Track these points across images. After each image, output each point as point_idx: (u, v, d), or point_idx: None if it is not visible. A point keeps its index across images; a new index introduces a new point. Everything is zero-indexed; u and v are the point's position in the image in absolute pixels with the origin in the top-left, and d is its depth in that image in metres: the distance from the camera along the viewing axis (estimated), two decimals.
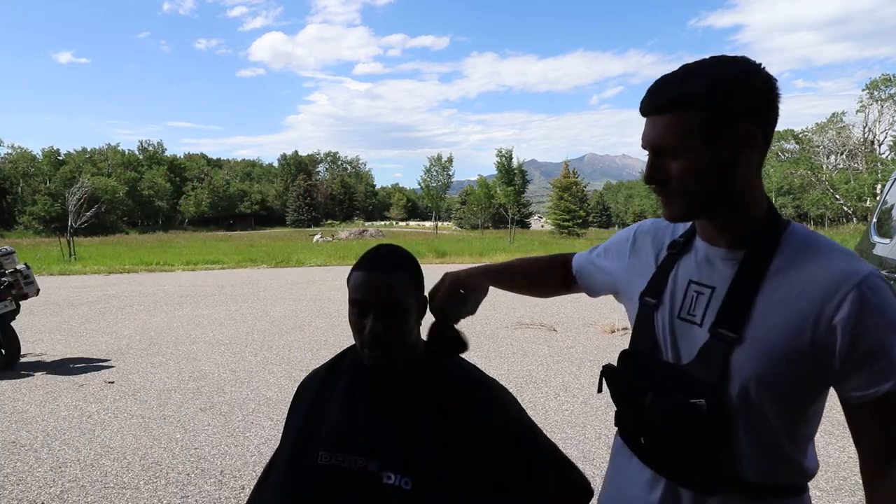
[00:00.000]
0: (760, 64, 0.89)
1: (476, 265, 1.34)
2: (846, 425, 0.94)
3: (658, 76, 0.93)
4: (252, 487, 3.26)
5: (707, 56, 0.93)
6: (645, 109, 0.93)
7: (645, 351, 1.03)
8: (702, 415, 0.89)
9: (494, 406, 1.16)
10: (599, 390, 1.11)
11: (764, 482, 0.93)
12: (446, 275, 1.25)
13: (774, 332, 0.87)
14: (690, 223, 1.03)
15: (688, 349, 0.97)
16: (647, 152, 0.94)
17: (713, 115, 0.86)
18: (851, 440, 2.97)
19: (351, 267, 1.17)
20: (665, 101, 0.89)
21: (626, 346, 1.09)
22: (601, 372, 1.10)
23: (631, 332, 1.08)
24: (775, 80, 0.89)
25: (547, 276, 1.38)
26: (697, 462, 0.94)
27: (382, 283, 1.10)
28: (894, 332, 0.82)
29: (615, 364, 1.08)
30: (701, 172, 0.89)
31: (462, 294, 1.24)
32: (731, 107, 0.86)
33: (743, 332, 0.89)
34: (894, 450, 0.86)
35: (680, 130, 0.88)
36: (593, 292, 1.31)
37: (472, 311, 1.26)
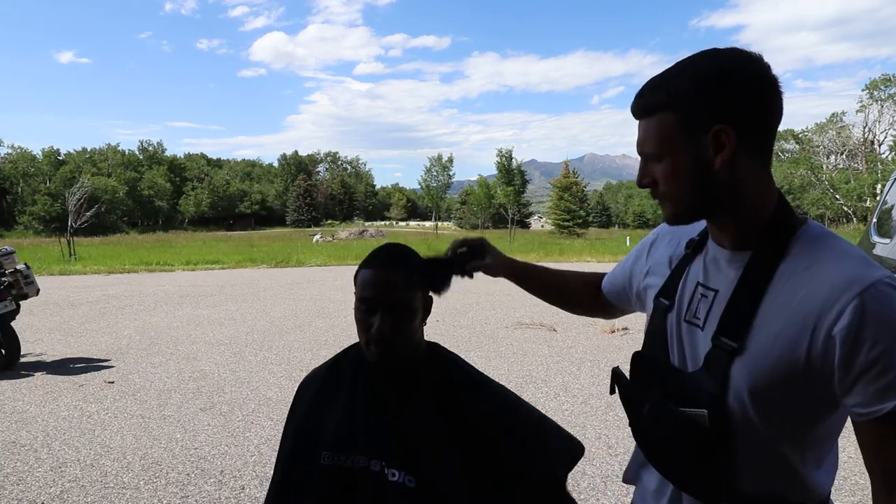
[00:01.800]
0: (752, 56, 0.84)
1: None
2: (846, 426, 0.93)
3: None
4: (252, 487, 3.26)
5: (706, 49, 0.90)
6: (633, 113, 0.93)
7: (655, 353, 1.00)
8: (703, 427, 0.86)
9: (495, 407, 1.16)
10: (612, 392, 1.09)
11: (767, 496, 0.89)
12: (484, 239, 1.34)
13: (772, 342, 0.82)
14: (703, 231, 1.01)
15: (692, 354, 0.94)
16: None
17: (685, 117, 0.84)
18: (851, 440, 2.95)
19: (356, 265, 1.17)
20: (644, 105, 0.89)
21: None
22: (612, 374, 1.09)
23: (645, 332, 1.06)
24: (766, 73, 0.84)
25: (577, 289, 1.35)
26: (697, 472, 0.91)
27: (391, 282, 1.10)
28: (886, 348, 0.75)
29: (626, 365, 1.08)
30: (682, 175, 0.87)
31: (481, 254, 1.31)
32: (703, 107, 0.83)
33: (744, 341, 0.85)
34: (883, 472, 0.80)
35: (658, 134, 0.87)
36: (621, 302, 1.25)
37: (468, 272, 1.30)
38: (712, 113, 0.83)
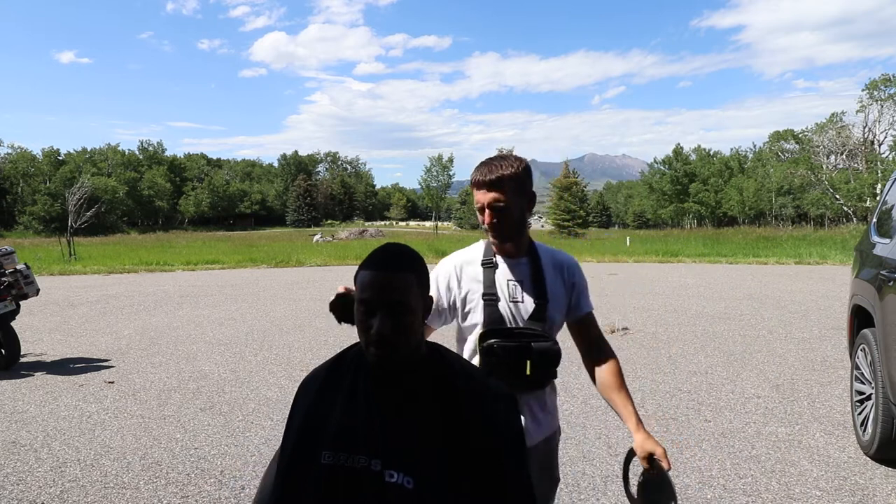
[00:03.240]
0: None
1: None
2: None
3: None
4: (252, 487, 3.26)
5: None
6: (485, 185, 1.62)
7: (499, 326, 1.65)
8: (556, 348, 1.66)
9: (495, 409, 1.16)
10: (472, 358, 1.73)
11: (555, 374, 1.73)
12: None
13: (554, 292, 1.70)
14: (486, 249, 1.73)
15: (520, 317, 1.67)
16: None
17: (520, 184, 1.63)
18: (851, 440, 2.99)
19: (356, 265, 1.17)
20: (496, 180, 1.61)
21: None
22: (482, 349, 1.65)
23: (482, 320, 1.68)
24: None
25: None
26: (547, 370, 1.67)
27: (390, 283, 1.10)
28: (585, 283, 1.77)
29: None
30: (515, 216, 1.64)
31: None
32: (526, 179, 1.65)
33: (546, 297, 1.67)
34: (596, 342, 1.79)
35: (505, 195, 1.62)
36: (435, 322, 1.80)
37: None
38: (529, 184, 1.67)
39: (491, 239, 1.70)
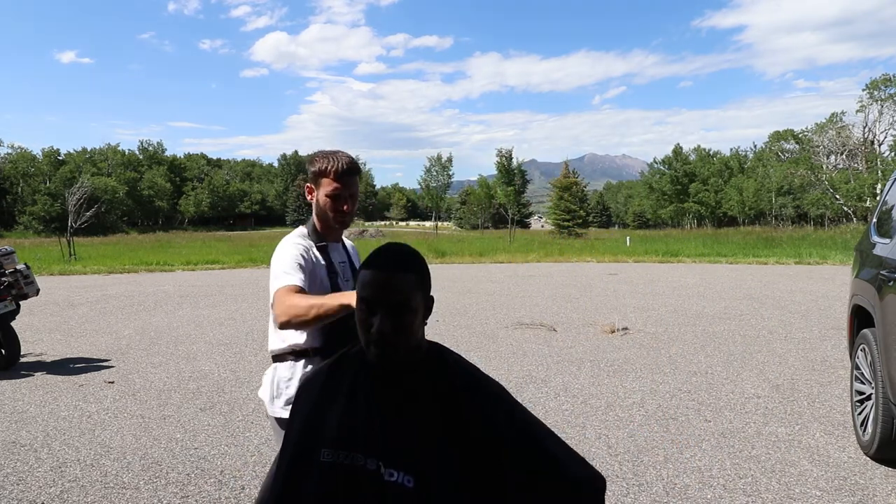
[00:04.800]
0: None
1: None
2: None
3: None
4: (252, 487, 3.26)
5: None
6: (347, 176, 1.83)
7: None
8: None
9: (495, 409, 1.16)
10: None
11: None
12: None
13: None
14: (314, 235, 1.92)
15: (349, 289, 1.84)
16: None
17: (359, 177, 1.86)
18: (851, 440, 2.99)
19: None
20: (355, 170, 1.86)
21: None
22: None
23: (328, 294, 1.77)
24: None
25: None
26: None
27: (390, 283, 1.10)
28: None
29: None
30: (357, 205, 1.89)
31: None
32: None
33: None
34: None
35: (357, 187, 1.88)
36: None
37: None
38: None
39: (333, 224, 1.88)
